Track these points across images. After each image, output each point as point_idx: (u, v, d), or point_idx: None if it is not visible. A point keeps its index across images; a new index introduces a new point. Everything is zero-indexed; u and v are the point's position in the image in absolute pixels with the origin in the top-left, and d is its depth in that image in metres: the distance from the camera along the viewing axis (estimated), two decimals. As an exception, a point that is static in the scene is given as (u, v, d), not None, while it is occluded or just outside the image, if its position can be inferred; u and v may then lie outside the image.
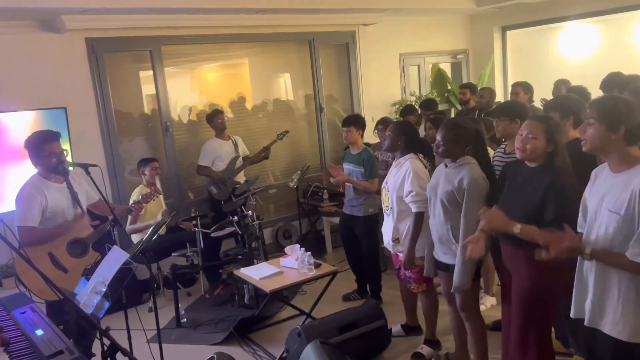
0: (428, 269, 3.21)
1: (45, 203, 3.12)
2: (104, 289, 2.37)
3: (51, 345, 2.13)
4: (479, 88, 6.29)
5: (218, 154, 5.31)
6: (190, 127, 5.84)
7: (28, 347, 2.15)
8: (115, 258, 2.51)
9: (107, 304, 2.38)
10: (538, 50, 7.58)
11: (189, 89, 6.03)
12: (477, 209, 2.74)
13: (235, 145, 5.44)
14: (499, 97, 7.48)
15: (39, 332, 2.28)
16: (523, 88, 5.36)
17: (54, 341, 2.18)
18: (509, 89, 7.87)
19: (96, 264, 2.96)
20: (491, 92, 5.95)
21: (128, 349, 2.82)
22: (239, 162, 5.42)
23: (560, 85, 5.48)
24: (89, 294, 2.38)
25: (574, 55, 7.16)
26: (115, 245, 2.68)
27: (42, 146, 3.12)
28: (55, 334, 2.27)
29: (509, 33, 7.81)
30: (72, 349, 2.09)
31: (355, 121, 4.37)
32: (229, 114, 5.96)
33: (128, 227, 4.60)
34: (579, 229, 2.25)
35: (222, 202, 5.21)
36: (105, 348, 2.05)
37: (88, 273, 3.01)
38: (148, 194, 3.72)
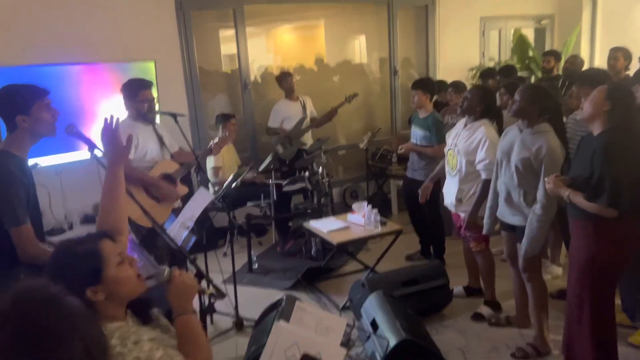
0: (488, 228, 3.24)
1: (137, 142, 3.39)
2: (192, 225, 2.63)
3: (145, 269, 2.42)
4: (563, 56, 6.02)
5: (287, 114, 5.43)
6: (265, 86, 6.04)
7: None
8: (202, 198, 2.76)
9: (193, 239, 2.64)
10: (634, 17, 7.08)
11: (265, 49, 6.20)
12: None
13: (304, 106, 5.53)
14: (585, 66, 7.12)
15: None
16: (623, 54, 4.98)
17: (147, 266, 2.46)
18: (596, 57, 7.50)
19: (185, 198, 3.22)
20: (582, 61, 5.69)
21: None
22: (306, 123, 5.53)
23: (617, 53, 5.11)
24: (178, 229, 2.65)
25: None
26: (202, 187, 2.93)
27: (137, 91, 3.39)
28: (148, 260, 2.56)
29: (600, -2, 7.35)
30: (165, 272, 2.36)
31: (423, 85, 4.35)
32: (296, 75, 6.06)
33: (213, 179, 4.89)
34: None
35: (287, 162, 5.39)
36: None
37: (175, 212, 3.30)
38: (223, 137, 3.86)
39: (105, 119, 1.94)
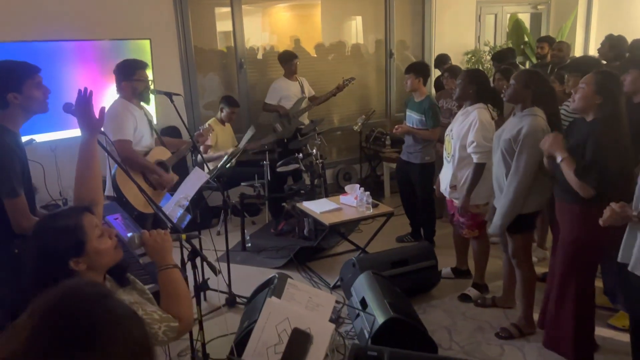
0: (490, 218, 3.27)
1: (135, 123, 3.41)
2: (187, 203, 2.68)
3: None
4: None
5: (285, 93, 5.47)
6: (261, 65, 6.04)
7: (122, 247, 2.50)
8: (197, 177, 2.80)
9: (188, 217, 2.70)
10: (628, 6, 7.10)
11: (261, 28, 6.18)
12: (531, 160, 2.81)
13: (302, 86, 5.57)
14: (579, 53, 7.16)
15: (130, 234, 2.64)
16: (610, 43, 5.00)
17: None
18: (591, 44, 7.53)
19: (176, 185, 3.27)
20: (568, 47, 5.72)
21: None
22: (305, 103, 5.58)
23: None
24: (173, 207, 2.70)
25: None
26: (197, 167, 2.97)
27: (135, 71, 3.39)
28: (133, 234, 2.61)
29: (598, -17, 7.36)
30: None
31: (415, 69, 4.38)
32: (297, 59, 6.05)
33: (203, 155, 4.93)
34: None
35: (285, 140, 5.44)
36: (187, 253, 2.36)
37: (171, 191, 3.34)
38: (204, 130, 3.95)
39: (80, 90, 1.94)
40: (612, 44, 4.92)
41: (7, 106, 2.30)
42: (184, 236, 1.99)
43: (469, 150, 3.39)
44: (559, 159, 2.58)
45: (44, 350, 0.80)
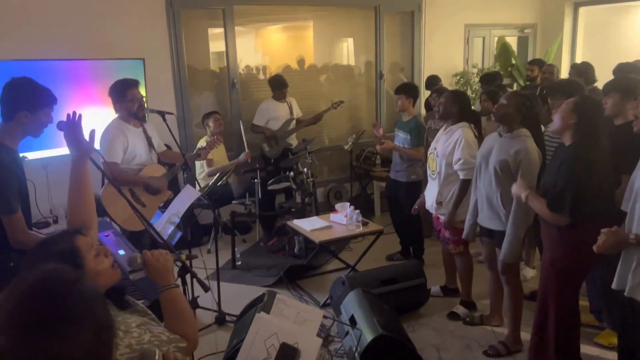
0: (468, 233, 3.35)
1: (127, 144, 3.46)
2: (177, 220, 2.71)
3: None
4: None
5: (273, 115, 5.51)
6: (253, 86, 6.11)
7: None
8: (188, 195, 2.83)
9: (179, 234, 2.72)
10: (612, 30, 7.31)
11: (253, 49, 6.27)
12: (531, 180, 2.88)
13: (290, 107, 5.63)
14: (565, 76, 7.31)
15: (121, 252, 2.66)
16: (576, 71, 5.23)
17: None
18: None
19: (169, 202, 3.30)
20: (558, 70, 5.88)
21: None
22: (293, 124, 5.63)
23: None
24: (164, 224, 2.72)
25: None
26: (188, 185, 3.00)
27: (125, 92, 3.45)
28: (133, 251, 2.64)
29: (581, 9, 7.56)
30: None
31: (406, 90, 4.48)
32: (284, 75, 6.14)
33: (207, 169, 4.97)
34: (622, 208, 2.35)
35: (272, 161, 5.48)
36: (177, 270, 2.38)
37: (162, 208, 3.37)
38: (212, 140, 4.02)
39: (68, 115, 1.92)
40: (579, 71, 5.12)
41: (11, 120, 2.34)
42: (184, 257, 1.99)
43: (456, 167, 3.47)
44: (523, 198, 2.71)
45: (21, 327, 0.89)
